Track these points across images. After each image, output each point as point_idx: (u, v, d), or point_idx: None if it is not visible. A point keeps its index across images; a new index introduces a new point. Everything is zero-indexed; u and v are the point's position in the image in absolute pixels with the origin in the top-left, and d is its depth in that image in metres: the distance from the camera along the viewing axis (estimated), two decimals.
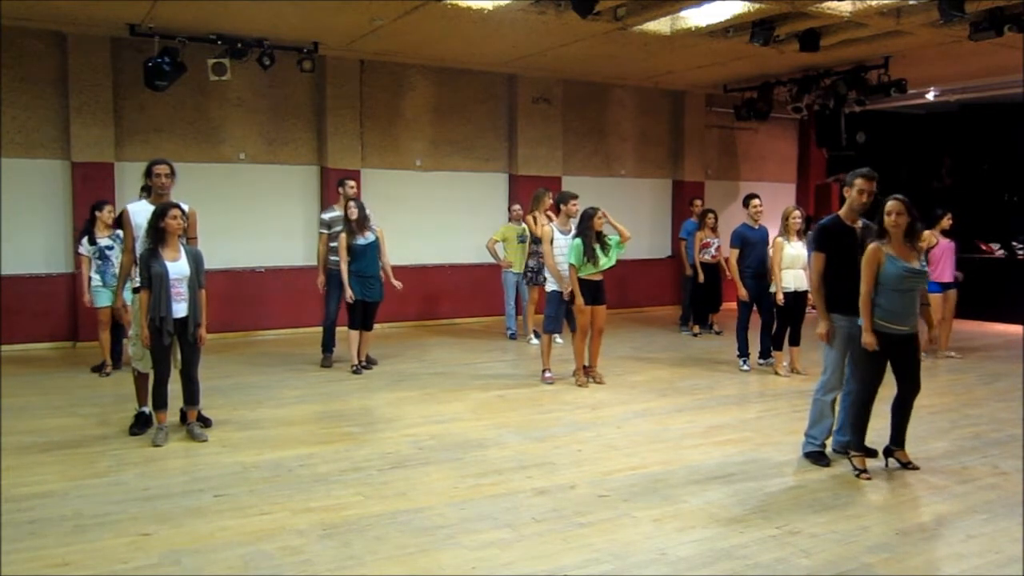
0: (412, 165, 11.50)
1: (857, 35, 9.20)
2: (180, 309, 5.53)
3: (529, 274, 9.68)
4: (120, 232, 6.41)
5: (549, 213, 9.02)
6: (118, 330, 7.82)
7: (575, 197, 7.71)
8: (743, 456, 5.45)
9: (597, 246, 7.30)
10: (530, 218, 9.61)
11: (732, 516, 4.37)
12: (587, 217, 7.33)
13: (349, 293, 7.81)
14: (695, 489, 4.78)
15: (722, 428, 6.17)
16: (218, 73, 9.27)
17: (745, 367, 8.34)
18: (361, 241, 7.82)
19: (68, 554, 3.83)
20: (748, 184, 13.69)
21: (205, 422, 5.99)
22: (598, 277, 7.41)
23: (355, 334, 8.02)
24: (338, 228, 8.04)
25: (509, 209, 10.92)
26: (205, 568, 3.70)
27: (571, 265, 7.33)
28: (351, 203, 7.88)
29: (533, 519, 4.31)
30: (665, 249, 13.65)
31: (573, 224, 7.57)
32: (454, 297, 11.66)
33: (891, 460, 5.22)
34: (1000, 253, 12.94)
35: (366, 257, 7.84)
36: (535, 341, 9.63)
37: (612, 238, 7.45)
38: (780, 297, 7.82)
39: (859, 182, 5.16)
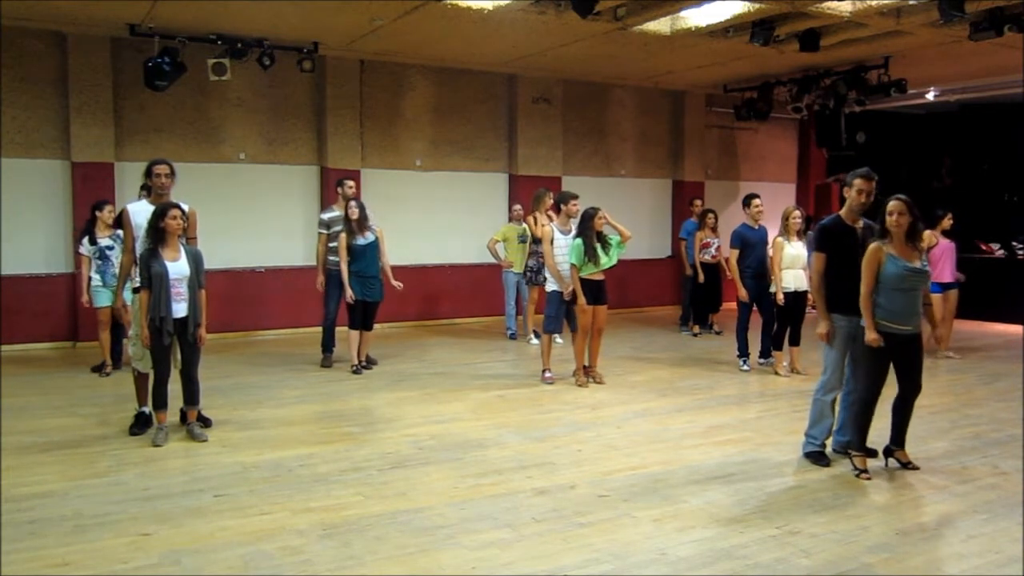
0: (412, 165, 11.50)
1: (857, 35, 9.20)
2: (180, 309, 5.53)
3: (529, 274, 9.68)
4: (120, 232, 6.41)
5: (550, 213, 9.02)
6: (118, 330, 7.82)
7: (575, 197, 7.71)
8: (743, 456, 5.45)
9: (598, 246, 7.31)
10: (531, 218, 9.61)
11: (732, 516, 4.37)
12: (588, 217, 7.33)
13: (349, 293, 7.81)
14: (695, 489, 4.78)
15: (722, 428, 6.17)
16: (218, 73, 9.27)
17: (745, 367, 8.34)
18: (361, 241, 7.82)
19: (68, 554, 3.83)
20: (748, 184, 13.69)
21: (205, 422, 5.99)
22: (599, 277, 7.41)
23: (355, 334, 8.02)
24: (337, 228, 8.04)
25: (510, 209, 10.92)
26: (205, 568, 3.70)
27: (572, 265, 7.34)
28: (352, 203, 7.87)
29: (533, 519, 4.31)
30: (665, 249, 13.65)
31: (573, 224, 7.57)
32: (454, 297, 11.66)
33: (891, 460, 5.22)
34: (1000, 253, 12.94)
35: (366, 257, 7.84)
36: (535, 341, 9.63)
37: (613, 238, 7.45)
38: (780, 297, 7.82)
39: (858, 182, 5.16)
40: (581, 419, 6.40)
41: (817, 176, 15.03)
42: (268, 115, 10.60)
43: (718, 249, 10.45)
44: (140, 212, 5.77)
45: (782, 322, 8.05)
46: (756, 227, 8.38)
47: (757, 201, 8.40)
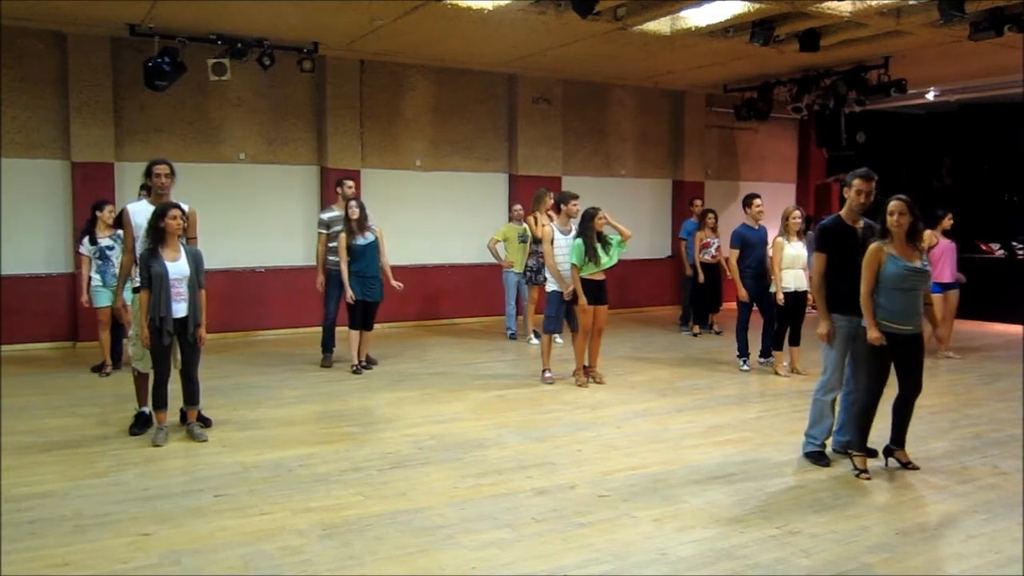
0: (412, 165, 11.50)
1: (857, 35, 9.20)
2: (180, 309, 5.53)
3: (528, 273, 9.68)
4: (120, 232, 6.41)
5: (550, 213, 9.02)
6: (118, 330, 7.82)
7: (576, 197, 7.70)
8: (743, 456, 5.45)
9: (598, 246, 7.31)
10: (531, 218, 9.61)
11: (732, 516, 4.37)
12: (588, 217, 7.33)
13: (350, 294, 7.80)
14: (695, 489, 4.78)
15: (722, 428, 6.17)
16: (218, 73, 9.27)
17: (745, 367, 8.34)
18: (361, 241, 7.82)
19: (68, 554, 3.83)
20: (748, 184, 13.69)
21: (205, 422, 5.99)
22: (600, 276, 7.41)
23: (355, 334, 8.02)
24: (337, 228, 8.04)
25: (510, 209, 10.92)
26: (205, 568, 3.70)
27: (573, 265, 7.34)
28: (352, 203, 7.87)
29: (533, 519, 4.31)
30: (665, 249, 13.65)
31: (574, 224, 7.57)
32: (454, 297, 11.66)
33: (891, 460, 5.22)
34: (1000, 253, 12.94)
35: (366, 257, 7.84)
36: (535, 341, 9.63)
37: (614, 237, 7.45)
38: (780, 297, 7.82)
39: (857, 183, 5.16)
40: (581, 419, 6.40)
41: (817, 176, 15.03)
42: (268, 115, 10.60)
43: (718, 249, 10.45)
44: (140, 212, 5.77)
45: (782, 322, 8.05)
46: (756, 227, 8.38)
47: (758, 201, 8.40)
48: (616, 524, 4.25)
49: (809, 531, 4.16)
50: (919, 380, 5.06)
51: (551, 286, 7.62)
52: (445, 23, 8.85)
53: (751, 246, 8.24)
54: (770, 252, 8.06)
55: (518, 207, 10.28)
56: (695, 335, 10.61)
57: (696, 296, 10.67)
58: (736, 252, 8.26)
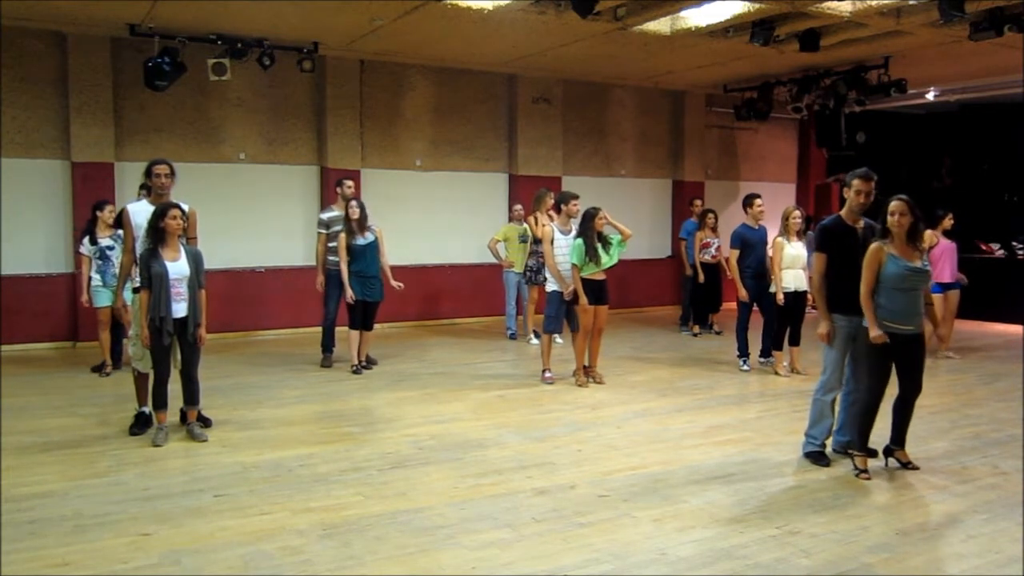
0: (412, 165, 11.50)
1: (857, 35, 9.20)
2: (180, 309, 5.54)
3: (528, 273, 9.68)
4: (121, 232, 6.41)
5: (550, 213, 9.01)
6: (118, 330, 7.82)
7: (576, 197, 7.71)
8: (743, 456, 5.45)
9: (599, 245, 7.31)
10: (531, 218, 9.61)
11: (732, 516, 4.37)
12: (589, 217, 7.33)
13: (350, 294, 7.80)
14: (695, 489, 4.78)
15: (722, 428, 6.17)
16: (218, 73, 9.27)
17: (745, 367, 8.34)
18: (360, 241, 7.81)
19: (68, 554, 3.83)
20: (748, 184, 13.69)
21: (205, 422, 5.99)
22: (600, 276, 7.41)
23: (355, 334, 8.02)
24: (337, 228, 8.04)
25: (510, 209, 10.92)
26: (205, 568, 3.70)
27: (573, 265, 7.34)
28: (352, 203, 7.87)
29: (533, 519, 4.31)
30: (665, 249, 13.65)
31: (574, 224, 7.57)
32: (454, 297, 11.66)
33: (891, 460, 5.22)
34: (1000, 253, 12.94)
35: (366, 257, 7.83)
36: (535, 341, 9.63)
37: (614, 237, 7.46)
38: (780, 297, 7.82)
39: (856, 183, 5.16)
40: (581, 419, 6.40)
41: (817, 176, 15.03)
42: (268, 115, 10.60)
43: (718, 249, 10.45)
44: (140, 212, 5.78)
45: (782, 322, 8.05)
46: (756, 227, 8.38)
47: (759, 201, 8.40)
48: (616, 524, 4.25)
49: (809, 531, 4.16)
50: (919, 380, 5.06)
51: (551, 286, 7.62)
52: (445, 23, 8.86)
53: (751, 246, 8.24)
54: (770, 252, 8.06)
55: (518, 207, 10.28)
56: (695, 335, 10.61)
57: (696, 296, 10.67)
58: (736, 252, 8.26)
